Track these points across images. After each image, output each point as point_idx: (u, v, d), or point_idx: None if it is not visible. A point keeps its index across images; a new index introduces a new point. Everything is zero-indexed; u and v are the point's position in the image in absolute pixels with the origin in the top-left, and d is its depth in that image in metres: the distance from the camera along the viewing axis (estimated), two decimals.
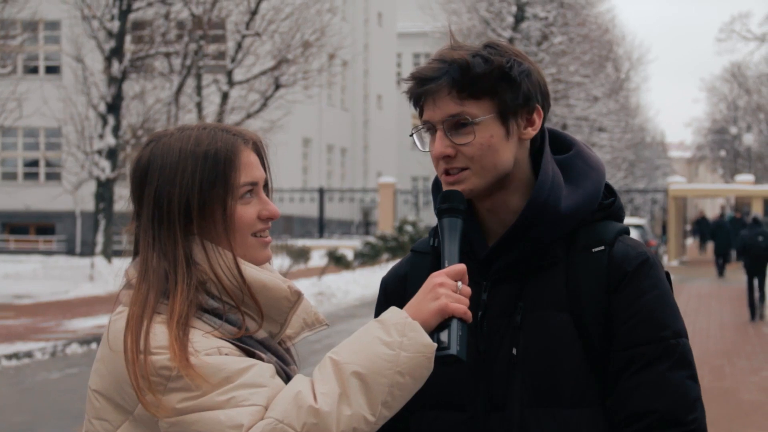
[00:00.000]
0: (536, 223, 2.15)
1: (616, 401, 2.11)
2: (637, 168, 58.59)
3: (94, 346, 15.37)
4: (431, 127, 2.15)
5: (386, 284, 2.35)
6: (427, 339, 1.95)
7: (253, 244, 2.08)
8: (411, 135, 2.22)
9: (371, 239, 29.68)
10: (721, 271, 33.40)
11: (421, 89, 2.14)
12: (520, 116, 2.16)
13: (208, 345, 1.96)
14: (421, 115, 2.19)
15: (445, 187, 2.16)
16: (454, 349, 1.97)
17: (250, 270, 2.04)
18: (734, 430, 9.60)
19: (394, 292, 2.30)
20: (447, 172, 2.15)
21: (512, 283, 2.17)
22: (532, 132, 2.19)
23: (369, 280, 24.37)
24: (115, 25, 25.34)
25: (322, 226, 42.01)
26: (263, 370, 1.96)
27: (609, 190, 2.25)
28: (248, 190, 2.07)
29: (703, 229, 49.82)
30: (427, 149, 2.18)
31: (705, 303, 22.65)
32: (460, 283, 2.02)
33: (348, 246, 31.38)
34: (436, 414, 2.19)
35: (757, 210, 36.34)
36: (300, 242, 29.44)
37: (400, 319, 1.97)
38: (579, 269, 2.15)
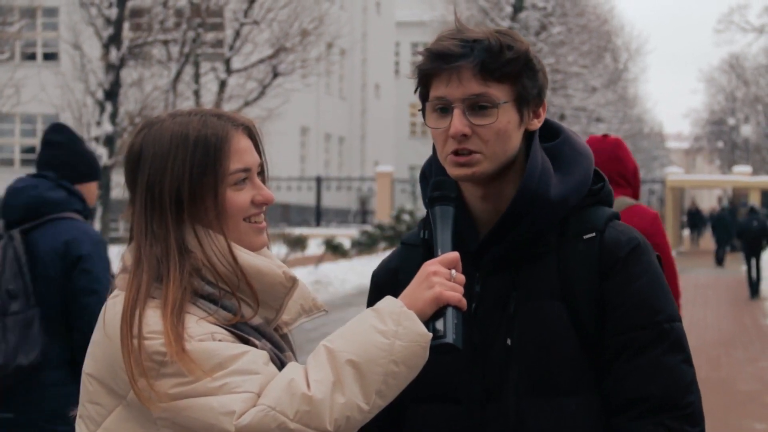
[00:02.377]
0: (528, 211, 2.14)
1: (612, 387, 2.11)
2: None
3: None
4: (446, 106, 2.12)
5: (377, 277, 2.34)
6: (422, 328, 1.95)
7: (247, 229, 2.07)
8: (420, 110, 2.18)
9: (368, 228, 29.70)
10: (720, 260, 33.92)
11: (446, 65, 2.10)
12: (532, 106, 2.16)
13: (201, 331, 1.96)
14: (426, 92, 2.15)
15: (451, 168, 2.13)
16: (450, 338, 1.96)
17: (244, 255, 2.03)
18: (731, 419, 9.61)
19: (386, 286, 2.28)
20: (456, 153, 2.12)
21: (505, 273, 2.16)
22: (537, 124, 2.19)
23: (366, 269, 24.34)
24: (113, 12, 25.27)
25: (319, 215, 42.00)
26: (257, 356, 1.96)
27: (597, 176, 2.24)
28: (241, 177, 2.05)
29: (696, 221, 49.09)
30: (434, 126, 2.15)
31: (702, 293, 22.67)
32: (453, 271, 2.01)
33: (345, 235, 31.36)
34: (431, 407, 2.18)
35: (755, 201, 36.39)
36: (297, 230, 29.43)
37: (396, 308, 1.96)
38: (571, 257, 2.14)
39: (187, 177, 2.01)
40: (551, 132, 2.25)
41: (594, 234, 2.15)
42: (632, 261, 2.13)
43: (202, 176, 2.02)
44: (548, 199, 2.14)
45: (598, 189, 2.23)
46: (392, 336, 1.92)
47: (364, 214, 46.53)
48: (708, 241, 48.42)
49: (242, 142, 2.07)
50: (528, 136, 2.20)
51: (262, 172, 2.12)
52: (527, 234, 2.15)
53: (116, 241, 30.84)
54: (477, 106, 2.10)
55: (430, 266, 2.01)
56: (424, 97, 2.17)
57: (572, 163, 2.20)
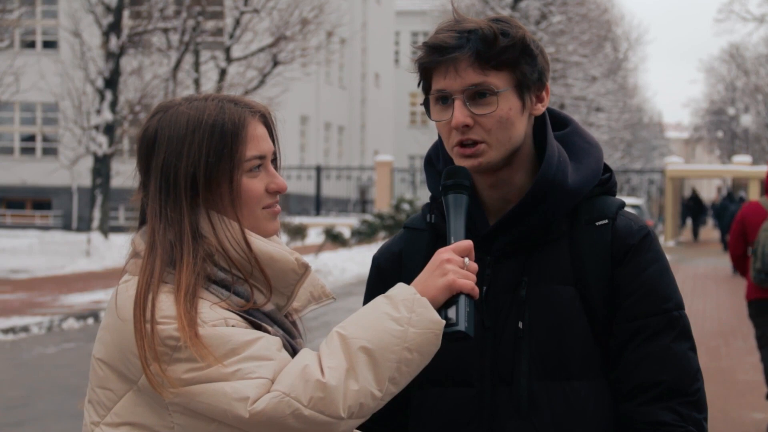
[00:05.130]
0: (544, 199, 2.15)
1: (621, 373, 2.13)
2: (635, 148, 58.58)
3: (90, 321, 15.37)
4: (446, 97, 2.13)
5: (379, 262, 2.34)
6: (436, 315, 1.95)
7: (262, 215, 2.07)
8: (422, 104, 2.20)
9: (368, 217, 29.68)
10: (726, 246, 34.86)
11: (442, 57, 2.11)
12: (534, 91, 2.17)
13: (214, 316, 1.95)
14: (427, 85, 2.16)
15: (458, 160, 2.15)
16: (462, 326, 1.96)
17: (257, 242, 2.02)
18: (730, 409, 9.63)
19: (389, 270, 2.28)
20: (461, 144, 2.13)
21: (516, 258, 2.18)
22: (541, 108, 2.20)
23: (366, 258, 24.36)
24: (113, 0, 25.22)
25: (319, 204, 41.99)
26: (270, 342, 1.95)
27: (604, 166, 2.28)
28: (256, 164, 2.05)
29: (695, 211, 46.82)
30: (437, 119, 2.16)
31: (701, 283, 22.69)
32: (467, 259, 2.01)
33: (345, 224, 31.35)
34: (441, 390, 2.19)
35: (754, 190, 36.40)
36: (297, 219, 29.45)
37: (409, 295, 1.96)
38: (583, 243, 2.17)
39: (204, 162, 2.00)
40: (559, 122, 2.27)
41: (606, 221, 2.18)
42: (644, 248, 2.16)
43: (218, 162, 2.01)
44: (566, 186, 2.16)
45: (606, 179, 2.26)
46: (406, 323, 1.92)
47: (363, 203, 46.52)
48: (708, 231, 48.39)
49: (258, 129, 2.07)
50: (535, 123, 2.21)
51: (274, 160, 2.12)
52: (541, 220, 2.16)
53: (116, 229, 30.83)
54: (477, 96, 2.11)
55: (443, 254, 2.01)
56: (427, 91, 2.18)
57: (584, 152, 2.23)
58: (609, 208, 2.19)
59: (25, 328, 14.38)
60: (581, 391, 2.12)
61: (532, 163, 2.20)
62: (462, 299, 1.98)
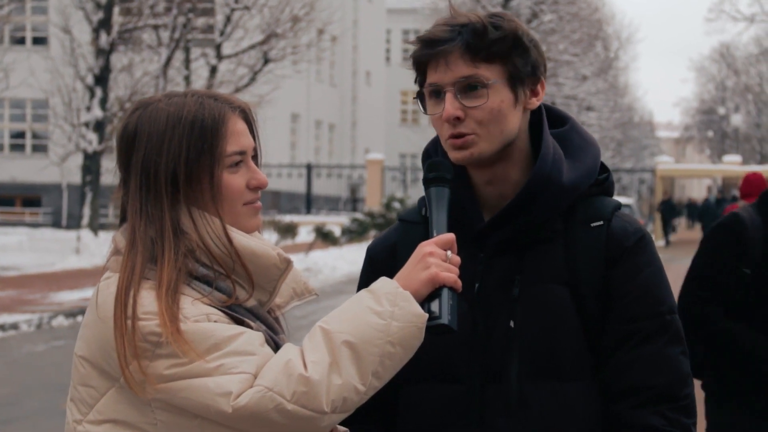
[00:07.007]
0: (538, 195, 2.14)
1: (612, 375, 2.11)
2: (625, 147, 58.69)
3: (80, 318, 15.33)
4: (438, 91, 2.13)
5: (373, 254, 2.33)
6: (419, 309, 1.94)
7: (243, 211, 2.06)
8: (415, 98, 2.20)
9: (359, 216, 29.73)
10: None
11: (433, 50, 2.11)
12: (527, 85, 2.17)
13: (196, 312, 1.94)
14: (422, 80, 2.17)
15: (451, 152, 2.14)
16: (445, 319, 1.96)
17: (239, 237, 2.02)
18: None
19: (383, 262, 2.28)
20: (453, 136, 2.13)
21: (510, 256, 2.17)
22: (536, 102, 2.20)
23: (356, 257, 24.36)
24: None
25: (309, 202, 41.98)
26: (252, 338, 1.95)
27: (602, 166, 2.27)
28: (236, 159, 2.04)
29: (666, 212, 41.12)
30: (431, 113, 2.16)
31: None
32: (449, 252, 2.01)
33: (335, 222, 31.37)
34: (430, 386, 2.18)
35: None
36: (287, 218, 29.46)
37: (391, 288, 1.95)
38: (578, 243, 2.15)
39: (184, 158, 2.00)
40: (558, 119, 2.27)
41: (601, 222, 2.16)
42: (638, 251, 2.15)
43: (198, 157, 2.00)
44: (561, 183, 2.15)
45: (603, 179, 2.25)
46: (388, 317, 1.92)
47: (354, 201, 46.53)
48: (697, 232, 48.56)
49: (238, 125, 2.06)
50: (532, 119, 2.21)
51: (255, 156, 2.11)
52: (536, 218, 2.15)
53: (106, 227, 30.78)
54: (468, 88, 2.11)
55: (425, 247, 2.01)
56: (422, 86, 2.18)
57: (581, 150, 2.22)
58: (605, 209, 2.18)
59: (15, 326, 14.35)
60: (571, 391, 2.11)
61: (528, 159, 2.19)
62: (445, 292, 1.97)
